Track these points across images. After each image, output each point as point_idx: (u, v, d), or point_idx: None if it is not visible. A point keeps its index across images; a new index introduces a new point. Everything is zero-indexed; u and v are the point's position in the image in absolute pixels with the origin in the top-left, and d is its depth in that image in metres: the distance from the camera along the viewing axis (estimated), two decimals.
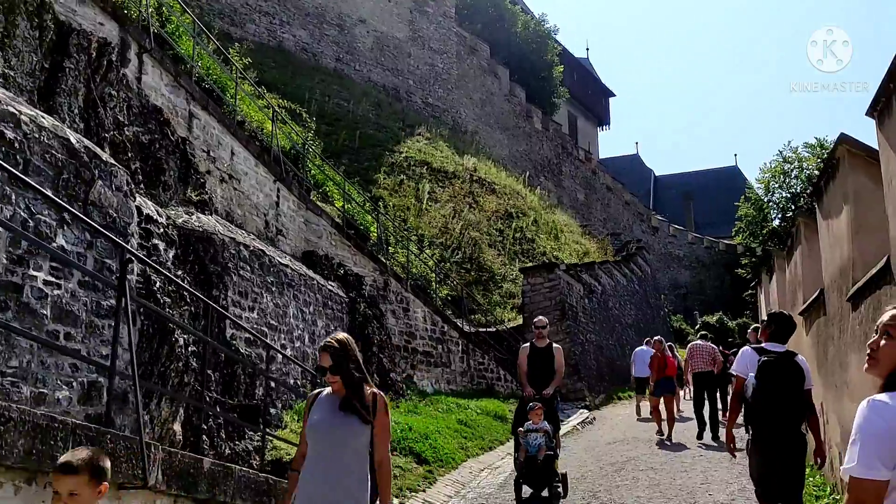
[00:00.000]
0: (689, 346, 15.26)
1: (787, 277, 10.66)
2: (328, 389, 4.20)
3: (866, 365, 2.52)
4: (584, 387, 19.95)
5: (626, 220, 47.90)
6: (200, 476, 4.81)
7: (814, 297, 8.09)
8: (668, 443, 12.94)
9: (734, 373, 5.83)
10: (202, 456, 5.58)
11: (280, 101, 19.14)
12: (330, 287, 12.44)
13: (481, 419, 14.13)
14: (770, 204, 50.99)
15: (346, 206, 18.78)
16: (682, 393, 16.70)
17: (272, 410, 9.51)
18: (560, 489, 8.48)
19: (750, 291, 48.69)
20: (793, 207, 50.13)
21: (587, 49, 71.75)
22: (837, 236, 7.21)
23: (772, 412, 5.27)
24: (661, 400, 13.82)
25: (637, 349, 17.56)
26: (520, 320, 21.22)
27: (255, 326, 9.69)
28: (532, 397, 8.81)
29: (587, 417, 17.37)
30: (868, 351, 2.52)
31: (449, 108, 37.93)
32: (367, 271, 14.37)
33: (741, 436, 6.15)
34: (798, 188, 50.00)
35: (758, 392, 5.32)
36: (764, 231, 50.20)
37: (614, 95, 60.02)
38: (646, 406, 15.69)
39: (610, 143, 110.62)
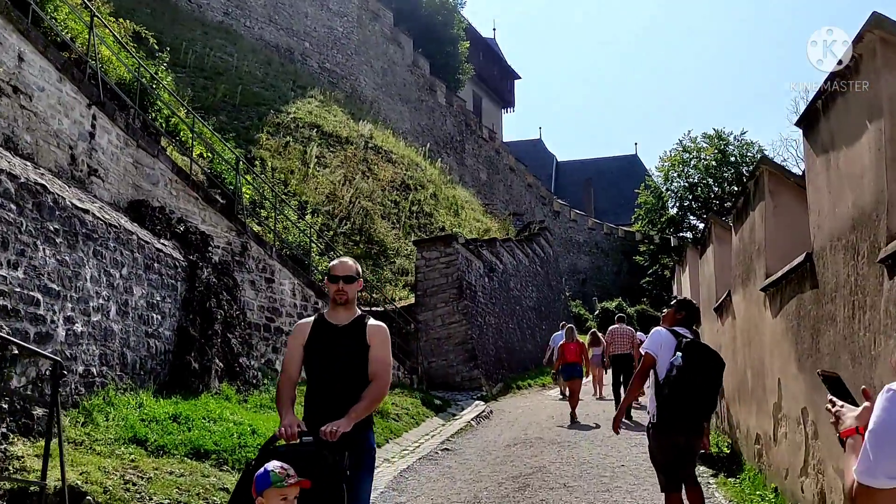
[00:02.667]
0: (609, 329, 15.41)
1: (735, 246, 8.40)
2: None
3: None
4: (480, 375, 17.50)
5: (528, 202, 46.03)
6: None
7: (794, 264, 5.79)
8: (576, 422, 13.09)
9: (644, 350, 5.44)
10: None
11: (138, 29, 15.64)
12: (159, 246, 9.34)
13: None
14: (668, 193, 50.47)
15: (213, 162, 15.69)
16: (603, 374, 17.68)
17: (36, 410, 6.45)
18: None
19: (647, 279, 48.10)
20: (690, 197, 49.79)
21: (494, 29, 69.50)
22: (849, 172, 4.85)
23: (696, 396, 5.09)
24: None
25: (554, 335, 17.77)
26: (412, 299, 18.55)
27: (17, 290, 6.57)
28: (290, 443, 3.73)
29: (483, 411, 14.89)
30: None
31: (347, 74, 34.73)
32: (220, 231, 11.31)
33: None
34: (696, 178, 49.63)
35: (683, 372, 5.05)
36: (662, 219, 49.59)
37: (520, 78, 58.08)
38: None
39: (514, 127, 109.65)
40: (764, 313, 7.09)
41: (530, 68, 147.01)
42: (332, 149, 24.33)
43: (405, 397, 14.05)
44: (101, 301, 7.90)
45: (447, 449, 10.95)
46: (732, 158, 48.76)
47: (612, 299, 42.64)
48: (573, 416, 13.35)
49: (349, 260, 4.28)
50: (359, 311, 4.24)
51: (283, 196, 18.59)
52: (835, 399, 2.10)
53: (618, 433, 5.97)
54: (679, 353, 5.15)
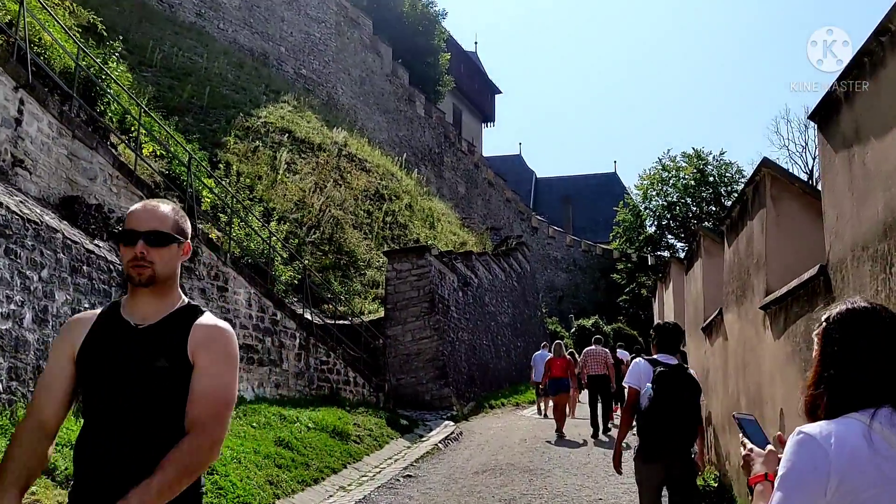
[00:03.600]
0: (584, 351, 15.40)
1: (729, 260, 7.58)
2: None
3: None
4: (451, 393, 16.54)
5: (506, 217, 45.27)
6: None
7: (804, 278, 4.97)
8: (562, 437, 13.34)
9: (627, 385, 5.45)
10: None
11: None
12: (91, 247, 8.34)
13: (312, 437, 10.37)
14: (647, 211, 50.02)
15: (172, 164, 14.71)
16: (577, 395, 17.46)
17: None
18: None
19: (624, 297, 47.46)
20: (668, 216, 49.38)
21: (475, 43, 69.19)
22: (879, 170, 4.02)
23: (668, 424, 5.09)
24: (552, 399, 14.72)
25: (535, 354, 17.80)
26: (381, 312, 17.59)
27: None
28: None
29: (452, 432, 13.92)
30: None
31: (324, 82, 33.82)
32: None
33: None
34: (675, 197, 49.24)
35: (655, 402, 5.09)
36: (640, 237, 49.10)
37: (500, 93, 57.55)
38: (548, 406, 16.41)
39: (494, 142, 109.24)
40: (763, 334, 6.25)
41: (511, 83, 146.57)
42: (303, 155, 23.37)
43: (369, 417, 13.06)
44: (12, 307, 6.89)
45: (410, 476, 9.99)
46: (711, 178, 48.45)
47: (588, 317, 41.86)
48: (559, 431, 13.64)
49: (161, 204, 2.39)
50: (183, 300, 2.42)
51: (248, 202, 17.61)
52: (745, 441, 2.05)
53: (619, 472, 5.81)
54: (649, 385, 5.18)
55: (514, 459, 11.11)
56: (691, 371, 5.52)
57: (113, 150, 10.13)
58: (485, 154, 53.24)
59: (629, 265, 48.60)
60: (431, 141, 39.69)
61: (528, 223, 47.40)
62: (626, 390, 5.51)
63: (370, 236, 22.27)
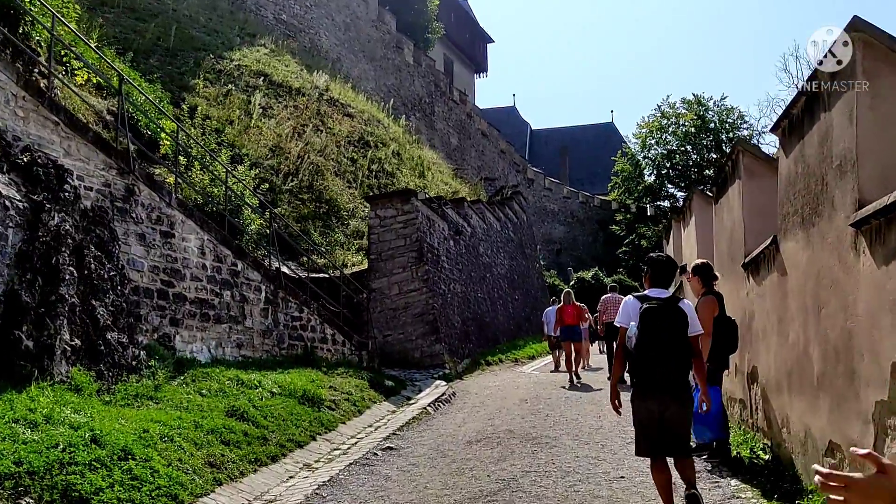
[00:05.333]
0: (602, 298, 15.09)
1: (788, 173, 5.78)
2: None
3: None
4: (443, 350, 14.85)
5: (501, 169, 43.28)
6: None
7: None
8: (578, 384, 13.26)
9: (617, 324, 5.26)
10: None
11: None
12: None
13: (275, 405, 8.66)
14: (646, 160, 48.04)
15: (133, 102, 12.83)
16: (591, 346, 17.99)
17: None
18: None
19: (624, 248, 45.75)
20: (667, 165, 47.39)
21: None
22: None
23: (655, 361, 4.86)
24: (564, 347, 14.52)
25: (547, 309, 17.38)
26: (365, 264, 15.81)
27: None
28: None
29: (444, 393, 12.24)
30: None
31: (306, 28, 31.48)
32: (93, 169, 8.45)
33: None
34: (674, 145, 47.20)
35: (640, 341, 4.89)
36: (639, 187, 47.20)
37: (493, 42, 54.99)
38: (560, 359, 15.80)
39: (487, 93, 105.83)
40: (855, 262, 4.47)
41: (504, 32, 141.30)
42: (280, 99, 21.34)
43: (349, 378, 11.36)
44: None
45: (391, 448, 8.30)
46: (712, 125, 46.37)
47: (587, 269, 40.22)
48: (575, 374, 13.87)
49: None
50: None
51: (216, 146, 15.67)
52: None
53: (618, 412, 5.31)
54: (633, 323, 4.99)
55: (513, 425, 9.42)
56: (684, 303, 5.08)
57: (20, 67, 8.20)
58: (478, 106, 51.01)
59: (628, 216, 46.83)
60: (421, 90, 37.48)
61: (523, 175, 45.47)
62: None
63: (354, 185, 20.37)
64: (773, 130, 6.21)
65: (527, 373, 16.62)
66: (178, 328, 9.25)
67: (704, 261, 7.38)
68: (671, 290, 5.33)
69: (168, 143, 13.05)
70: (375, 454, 8.00)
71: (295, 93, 22.21)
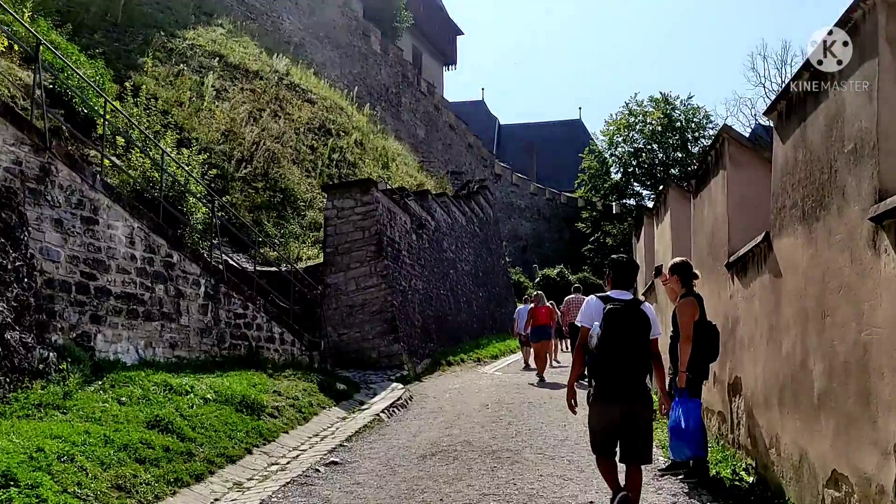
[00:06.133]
0: (565, 300, 16.02)
1: (784, 161, 5.07)
2: None
3: None
4: (402, 349, 14.01)
5: (468, 163, 42.47)
6: None
7: None
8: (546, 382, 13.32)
9: (578, 323, 5.08)
10: None
11: None
12: None
13: (208, 413, 7.75)
14: (612, 158, 47.72)
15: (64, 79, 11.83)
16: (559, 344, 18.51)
17: None
18: None
19: (589, 246, 45.29)
20: (634, 162, 47.10)
21: None
22: None
23: (617, 363, 4.79)
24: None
25: (519, 307, 17.83)
26: (321, 258, 14.90)
27: None
28: None
29: (400, 397, 11.41)
30: None
31: (268, 10, 30.24)
32: (0, 144, 7.43)
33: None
34: (641, 143, 46.93)
35: (603, 342, 4.82)
36: (606, 185, 46.86)
37: (463, 34, 54.03)
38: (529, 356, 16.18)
39: (456, 87, 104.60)
40: (874, 262, 3.75)
41: (473, 25, 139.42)
42: (236, 82, 20.27)
43: (297, 381, 10.48)
44: None
45: (335, 462, 7.45)
46: (678, 124, 46.21)
47: (553, 267, 39.68)
48: (540, 375, 13.87)
49: None
50: None
51: (160, 128, 14.58)
52: None
53: (574, 412, 5.25)
54: (596, 323, 4.89)
55: (472, 434, 8.64)
56: (646, 306, 5.04)
57: None
58: (447, 99, 50.16)
59: (594, 214, 46.45)
60: (388, 80, 36.48)
61: (491, 170, 44.75)
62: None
63: (313, 174, 19.42)
64: (766, 114, 5.50)
65: (489, 374, 15.88)
66: (100, 326, 8.27)
67: (683, 259, 6.67)
68: (633, 292, 5.25)
69: (111, 122, 12.00)
70: (317, 470, 7.15)
71: (252, 76, 21.16)
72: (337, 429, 9.24)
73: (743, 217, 6.40)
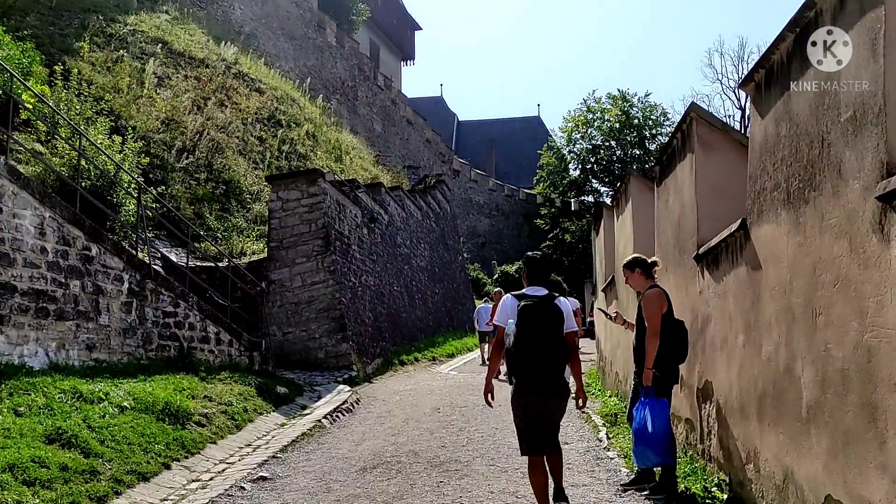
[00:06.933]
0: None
1: (765, 137, 4.42)
2: None
3: None
4: (350, 349, 13.20)
5: (426, 158, 41.71)
6: None
7: None
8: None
9: (495, 322, 5.16)
10: None
11: None
12: None
13: (122, 424, 6.85)
14: (571, 154, 47.46)
15: None
16: None
17: None
18: None
19: (548, 242, 44.90)
20: (592, 159, 46.89)
21: None
22: None
23: (533, 358, 4.84)
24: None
25: (480, 307, 17.53)
26: (265, 252, 13.99)
27: None
28: None
29: (346, 400, 10.61)
30: None
31: (219, 0, 29.12)
32: None
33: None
34: (599, 139, 46.73)
35: (518, 339, 4.86)
36: (564, 181, 46.57)
37: (421, 29, 53.22)
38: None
39: (414, 83, 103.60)
40: (881, 249, 3.10)
41: (432, 20, 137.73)
42: (180, 69, 19.18)
43: (233, 384, 9.60)
44: None
45: (264, 478, 6.63)
46: (636, 121, 46.10)
47: (511, 263, 39.18)
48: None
49: None
50: None
51: (92, 114, 13.49)
52: None
53: (491, 406, 5.39)
54: (511, 321, 4.93)
55: (420, 443, 7.89)
56: (560, 300, 5.02)
57: None
58: (405, 94, 49.30)
59: (553, 210, 46.09)
60: (344, 73, 35.51)
61: (449, 166, 44.08)
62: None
63: (261, 165, 18.46)
64: (742, 86, 4.84)
65: (444, 373, 15.17)
66: (2, 326, 7.30)
67: (636, 255, 6.06)
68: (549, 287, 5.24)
69: (29, 109, 10.93)
70: (243, 488, 6.32)
71: (198, 64, 20.08)
72: (273, 437, 8.41)
73: (714, 204, 5.76)
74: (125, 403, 7.36)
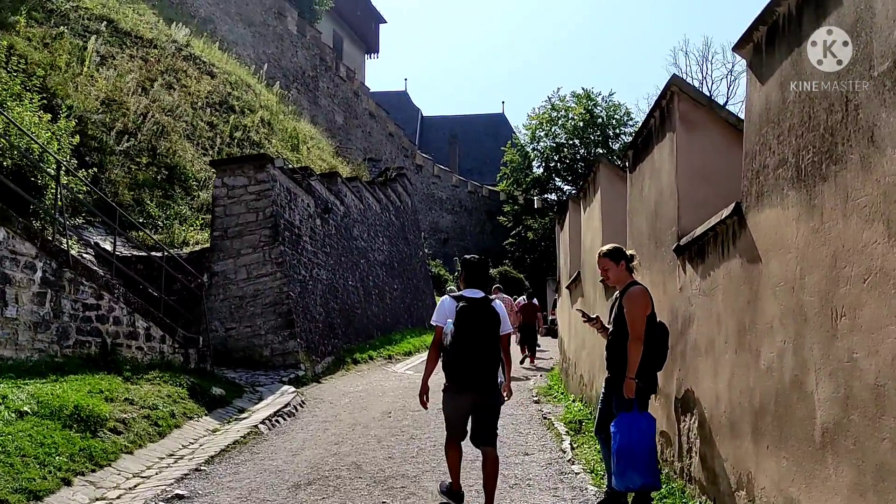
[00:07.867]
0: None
1: (766, 103, 3.68)
2: None
3: None
4: (298, 347, 12.28)
5: (389, 152, 40.74)
6: None
7: None
8: None
9: (433, 322, 5.21)
10: None
11: None
12: None
13: (19, 432, 5.88)
14: (535, 152, 46.93)
15: None
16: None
17: None
18: None
19: (511, 240, 44.31)
20: (556, 158, 46.44)
21: None
22: None
23: (468, 357, 4.93)
24: None
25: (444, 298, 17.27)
26: (208, 242, 12.98)
27: None
28: None
29: (289, 403, 9.71)
30: None
31: None
32: None
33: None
34: (563, 138, 46.28)
35: (455, 339, 4.94)
36: (528, 179, 46.03)
37: (385, 22, 52.16)
38: None
39: (378, 77, 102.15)
40: None
41: (396, 13, 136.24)
42: (126, 49, 17.98)
43: (161, 385, 8.63)
44: None
45: (180, 496, 5.73)
46: (600, 120, 45.73)
47: None
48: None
49: None
50: None
51: (19, 90, 12.33)
52: None
53: (425, 408, 5.34)
54: (450, 321, 5.00)
55: (364, 453, 7.05)
56: (496, 303, 5.10)
57: None
58: (368, 87, 48.22)
59: (516, 207, 45.48)
60: (305, 63, 34.36)
61: (412, 160, 43.17)
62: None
63: (211, 152, 17.38)
64: (737, 48, 4.10)
65: (399, 373, 14.33)
66: None
67: (614, 244, 5.30)
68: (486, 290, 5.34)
69: None
70: None
71: (146, 44, 18.89)
72: (200, 446, 7.49)
73: (697, 190, 5.04)
74: (26, 408, 6.39)
